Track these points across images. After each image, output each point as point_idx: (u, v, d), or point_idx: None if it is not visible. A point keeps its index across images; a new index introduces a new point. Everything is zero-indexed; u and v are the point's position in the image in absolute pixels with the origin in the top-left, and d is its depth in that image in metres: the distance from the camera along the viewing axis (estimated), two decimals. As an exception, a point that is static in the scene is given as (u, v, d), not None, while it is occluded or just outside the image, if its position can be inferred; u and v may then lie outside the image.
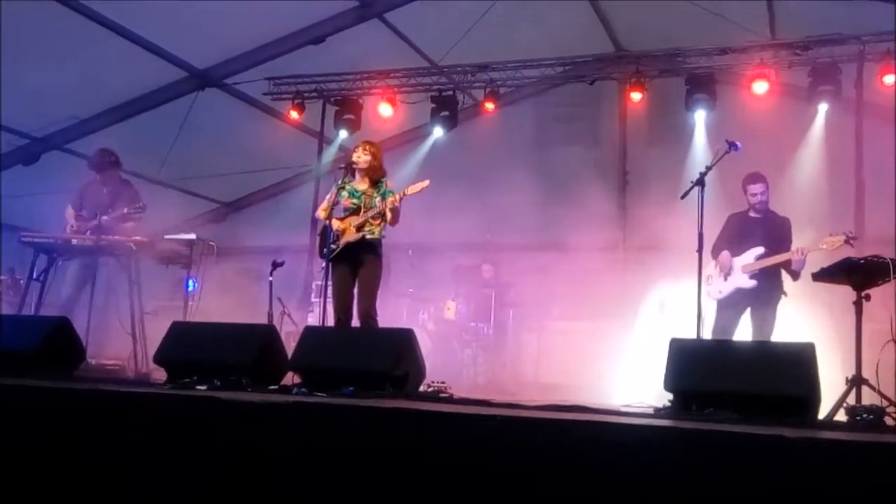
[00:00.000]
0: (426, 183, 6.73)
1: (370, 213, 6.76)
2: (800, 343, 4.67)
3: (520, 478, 3.14)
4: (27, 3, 9.16)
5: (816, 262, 6.32)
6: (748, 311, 7.12)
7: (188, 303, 8.64)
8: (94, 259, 7.44)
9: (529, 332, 11.10)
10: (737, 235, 7.29)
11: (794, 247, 6.98)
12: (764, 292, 7.03)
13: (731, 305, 7.15)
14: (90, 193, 7.93)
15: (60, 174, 10.30)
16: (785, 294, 7.09)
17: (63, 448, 3.83)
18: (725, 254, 7.20)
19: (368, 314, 6.68)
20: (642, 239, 10.74)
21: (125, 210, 7.69)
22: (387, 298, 9.68)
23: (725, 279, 7.17)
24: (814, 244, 6.82)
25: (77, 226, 7.67)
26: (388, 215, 6.74)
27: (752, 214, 7.34)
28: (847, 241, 6.59)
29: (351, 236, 6.76)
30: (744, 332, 7.15)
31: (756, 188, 7.25)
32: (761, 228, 7.22)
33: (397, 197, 6.67)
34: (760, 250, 7.07)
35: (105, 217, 7.60)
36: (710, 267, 7.29)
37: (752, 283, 7.03)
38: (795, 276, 6.95)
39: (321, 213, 6.99)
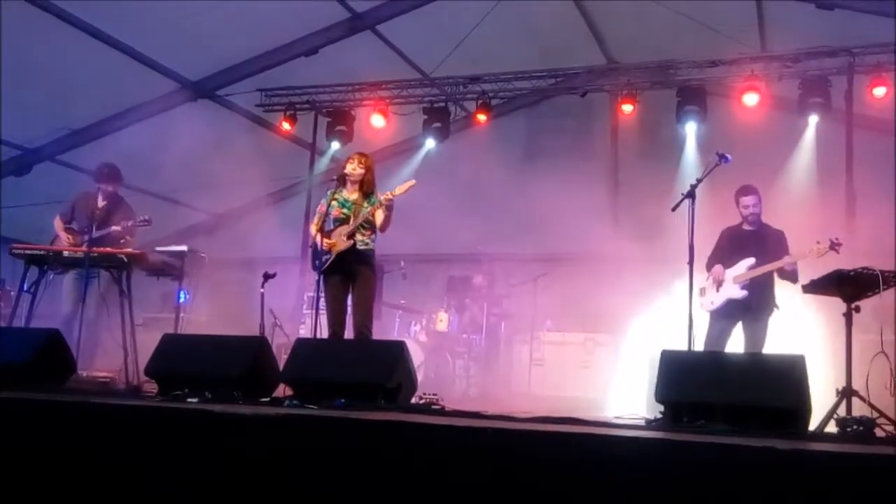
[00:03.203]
0: (412, 182, 6.70)
1: (360, 220, 6.69)
2: (790, 355, 4.69)
3: (512, 490, 3.14)
4: (19, 14, 9.17)
5: (806, 273, 6.33)
6: (740, 323, 7.14)
7: (179, 315, 8.61)
8: (92, 272, 7.40)
9: (521, 344, 11.07)
10: (730, 248, 7.32)
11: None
12: (755, 305, 7.06)
13: (723, 317, 7.17)
14: (83, 206, 7.88)
15: (52, 185, 10.30)
16: (777, 307, 7.11)
17: (53, 461, 3.81)
18: (718, 266, 7.23)
19: (364, 326, 6.64)
20: (634, 250, 10.74)
21: (129, 223, 7.66)
22: (378, 310, 9.68)
23: (718, 290, 7.20)
24: (802, 252, 6.85)
25: (71, 238, 7.63)
26: (380, 217, 6.69)
27: (745, 227, 7.37)
28: (832, 247, 6.62)
29: (342, 245, 6.69)
30: (736, 344, 7.17)
31: (748, 200, 7.28)
32: (754, 240, 7.24)
33: (389, 195, 6.61)
34: (751, 261, 7.09)
35: (116, 227, 7.58)
36: (703, 279, 7.30)
37: (743, 293, 7.05)
38: (793, 279, 6.97)
39: (314, 230, 6.95)
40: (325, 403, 4.82)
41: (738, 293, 7.07)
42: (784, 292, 7.11)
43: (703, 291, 7.24)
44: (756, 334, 7.04)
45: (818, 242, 6.73)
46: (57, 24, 9.60)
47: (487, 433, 3.48)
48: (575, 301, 11.11)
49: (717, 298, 7.18)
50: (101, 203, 7.91)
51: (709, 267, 7.30)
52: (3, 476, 3.84)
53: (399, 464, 3.35)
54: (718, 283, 7.20)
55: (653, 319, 9.25)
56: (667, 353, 4.95)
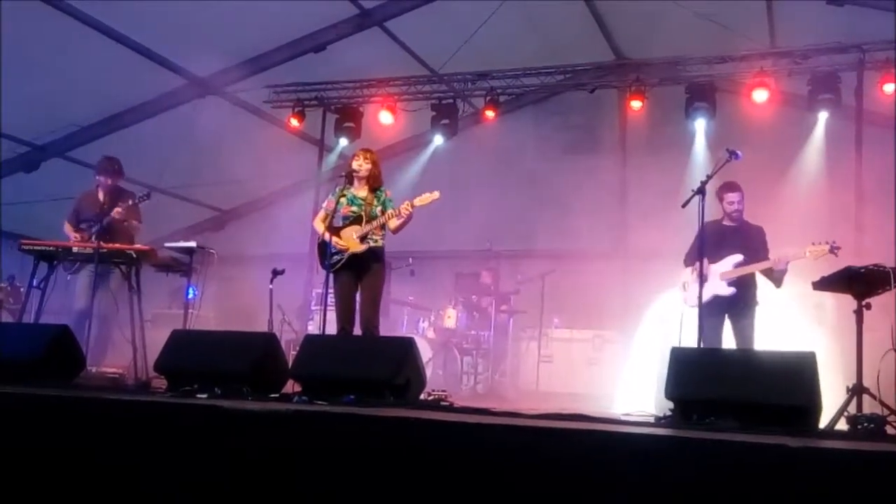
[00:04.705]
0: (436, 195, 6.65)
1: (374, 225, 6.69)
2: (801, 352, 4.66)
3: (520, 487, 3.14)
4: (28, 10, 9.19)
5: (811, 270, 6.31)
6: (726, 318, 7.11)
7: (188, 311, 8.62)
8: (105, 269, 7.44)
9: (529, 341, 11.10)
10: (712, 243, 7.26)
11: (772, 255, 6.99)
12: (740, 301, 7.03)
13: (711, 314, 7.11)
14: (87, 204, 7.94)
15: (61, 182, 10.32)
16: (757, 303, 7.09)
17: (64, 457, 3.82)
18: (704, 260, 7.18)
19: (371, 323, 6.63)
20: (643, 247, 10.73)
21: (129, 202, 7.69)
22: (387, 306, 9.68)
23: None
24: (798, 252, 6.81)
25: (81, 237, 7.64)
26: (396, 223, 6.68)
27: (726, 223, 7.32)
28: (831, 251, 6.58)
29: (356, 248, 6.67)
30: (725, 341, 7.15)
31: (734, 197, 7.24)
32: (737, 237, 7.20)
33: (409, 205, 6.59)
34: (739, 258, 7.06)
35: (118, 209, 7.58)
36: (685, 273, 7.27)
37: (731, 290, 7.02)
38: (778, 283, 6.95)
39: (320, 225, 6.91)
40: (334, 400, 4.81)
41: (725, 290, 7.03)
42: (795, 289, 7.07)
43: (685, 286, 7.20)
44: (745, 330, 7.00)
45: (813, 244, 6.68)
46: (65, 20, 9.61)
47: (496, 430, 3.47)
48: (583, 298, 11.13)
49: (703, 294, 7.14)
50: (101, 197, 7.96)
51: (687, 262, 7.27)
52: (11, 470, 3.85)
53: (407, 460, 3.35)
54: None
55: (661, 316, 9.24)
56: (677, 350, 4.94)
